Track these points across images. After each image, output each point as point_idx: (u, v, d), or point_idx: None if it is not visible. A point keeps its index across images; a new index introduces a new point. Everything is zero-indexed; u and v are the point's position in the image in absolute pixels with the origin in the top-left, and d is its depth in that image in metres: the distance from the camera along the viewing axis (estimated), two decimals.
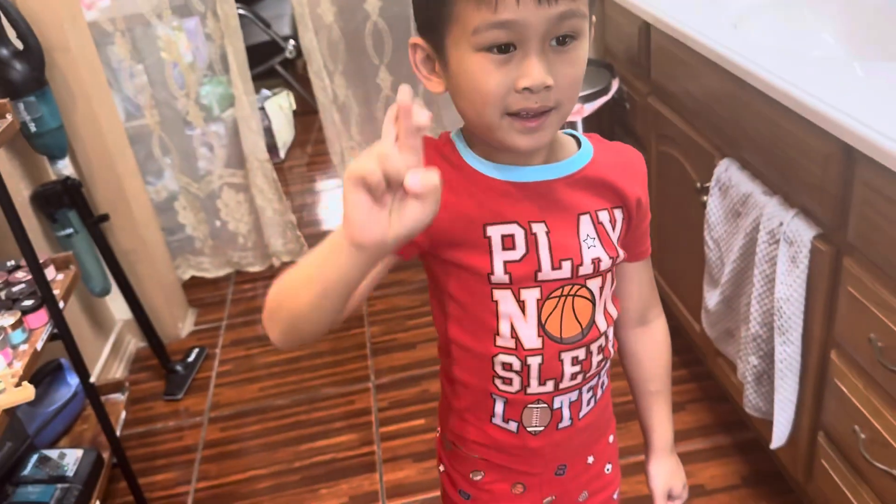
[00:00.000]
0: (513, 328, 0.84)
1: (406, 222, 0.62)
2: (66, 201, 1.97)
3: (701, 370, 1.95)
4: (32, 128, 1.86)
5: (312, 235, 2.79)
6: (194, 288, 2.63)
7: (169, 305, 2.39)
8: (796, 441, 1.42)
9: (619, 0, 1.90)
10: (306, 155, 3.68)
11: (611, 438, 1.03)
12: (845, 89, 1.18)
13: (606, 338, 0.90)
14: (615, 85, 1.98)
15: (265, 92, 3.49)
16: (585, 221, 0.84)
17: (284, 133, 3.55)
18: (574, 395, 0.90)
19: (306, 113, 3.84)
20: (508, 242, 0.81)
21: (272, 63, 3.78)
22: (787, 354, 1.34)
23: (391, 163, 0.59)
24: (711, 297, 1.59)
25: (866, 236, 1.13)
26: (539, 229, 0.81)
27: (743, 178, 1.43)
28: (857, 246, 1.16)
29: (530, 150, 0.78)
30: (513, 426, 0.91)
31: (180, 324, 2.43)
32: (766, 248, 1.34)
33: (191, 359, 2.28)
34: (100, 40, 2.24)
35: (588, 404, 0.93)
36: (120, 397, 1.89)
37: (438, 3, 0.73)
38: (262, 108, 3.36)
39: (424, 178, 0.61)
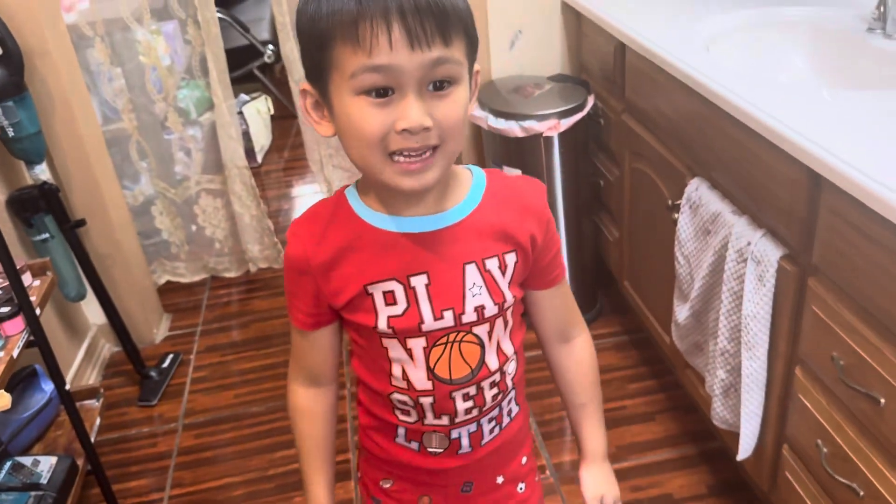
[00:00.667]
0: (404, 371, 0.88)
1: None
2: (42, 206, 1.95)
3: (670, 381, 1.99)
4: (10, 133, 1.85)
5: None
6: (169, 293, 2.62)
7: (144, 310, 2.38)
8: (761, 453, 1.46)
9: (595, 19, 1.94)
10: (283, 160, 3.68)
11: (524, 460, 1.04)
12: (813, 116, 1.22)
13: (502, 373, 0.92)
14: (591, 101, 2.02)
15: (243, 96, 3.48)
16: (471, 270, 0.85)
17: (262, 137, 3.55)
18: (473, 427, 0.93)
19: (284, 117, 3.84)
20: (390, 298, 0.84)
21: (250, 67, 3.78)
22: (753, 369, 1.37)
23: None
24: (681, 312, 1.63)
25: (830, 260, 1.17)
26: (418, 282, 0.84)
27: (713, 197, 1.47)
28: (822, 268, 1.20)
29: (416, 192, 0.79)
30: (414, 445, 0.95)
31: (155, 329, 2.42)
32: (735, 266, 1.38)
33: (165, 364, 2.27)
34: (78, 44, 2.22)
35: (491, 433, 0.95)
36: (94, 403, 1.88)
37: (319, 50, 0.74)
38: (240, 113, 3.34)
39: None
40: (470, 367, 0.89)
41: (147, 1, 2.28)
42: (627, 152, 1.91)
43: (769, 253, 1.29)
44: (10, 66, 1.82)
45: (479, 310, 0.86)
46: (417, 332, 0.86)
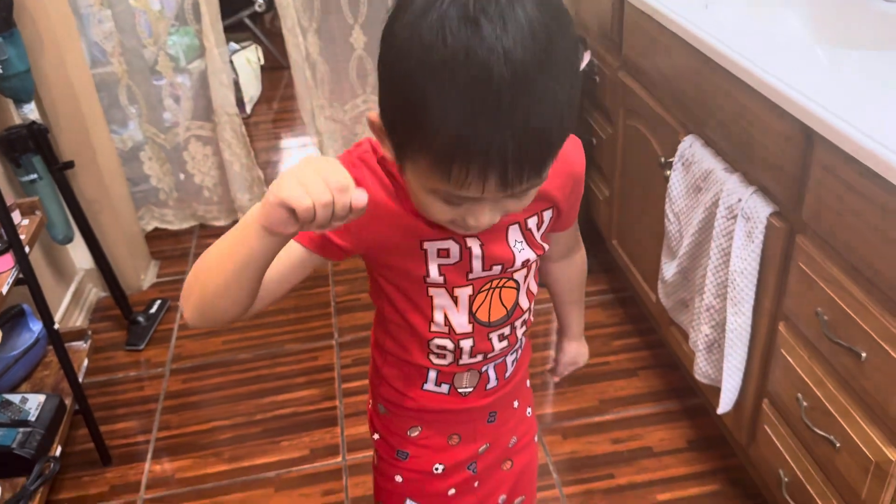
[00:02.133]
0: (446, 318, 0.89)
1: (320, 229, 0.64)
2: (31, 146, 1.93)
3: (654, 339, 2.02)
4: None
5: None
6: (157, 240, 2.61)
7: (131, 256, 2.37)
8: (742, 407, 1.49)
9: None
10: (272, 111, 3.64)
11: (528, 383, 1.12)
12: (809, 73, 1.23)
13: (529, 311, 0.96)
14: (587, 57, 2.01)
15: (233, 45, 3.43)
16: (514, 230, 0.86)
17: (251, 88, 3.51)
18: (499, 360, 0.98)
19: (274, 69, 3.80)
20: (444, 253, 0.84)
21: (241, 16, 3.73)
22: (738, 325, 1.40)
23: (329, 211, 0.61)
24: (669, 269, 1.64)
25: (820, 216, 1.18)
26: (473, 242, 0.84)
27: (706, 154, 1.48)
28: (811, 224, 1.21)
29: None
30: (444, 388, 0.97)
31: (142, 275, 2.41)
32: (724, 222, 1.39)
33: (153, 310, 2.27)
34: None
35: (512, 365, 1.00)
36: (82, 345, 1.88)
37: (406, 136, 0.66)
38: (230, 62, 3.30)
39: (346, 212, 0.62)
40: (506, 308, 0.91)
41: None
42: (622, 110, 1.90)
43: (759, 210, 1.30)
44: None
45: (525, 263, 0.88)
46: (465, 280, 0.87)
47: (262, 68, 3.66)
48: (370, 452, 1.76)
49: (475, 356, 0.94)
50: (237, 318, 0.77)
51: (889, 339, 1.05)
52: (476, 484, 1.07)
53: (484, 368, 0.97)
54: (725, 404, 1.48)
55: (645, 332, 2.06)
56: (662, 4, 1.59)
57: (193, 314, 0.76)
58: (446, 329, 0.90)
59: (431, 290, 0.87)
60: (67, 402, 1.70)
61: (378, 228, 0.80)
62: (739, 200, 1.35)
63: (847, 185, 1.10)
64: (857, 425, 1.15)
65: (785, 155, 1.24)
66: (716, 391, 1.51)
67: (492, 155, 0.62)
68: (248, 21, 3.79)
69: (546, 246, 0.91)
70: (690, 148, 1.53)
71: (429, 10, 0.60)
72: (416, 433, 1.02)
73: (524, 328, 0.97)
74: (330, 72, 2.44)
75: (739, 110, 1.36)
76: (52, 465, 1.55)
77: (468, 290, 0.88)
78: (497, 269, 0.87)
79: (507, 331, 0.94)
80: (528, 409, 1.12)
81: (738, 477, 1.64)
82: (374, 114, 0.72)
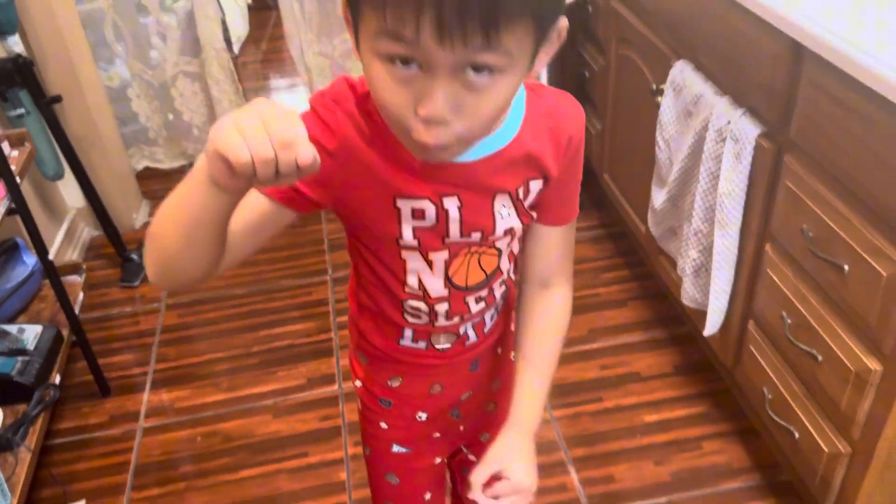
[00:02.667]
0: (420, 281, 0.84)
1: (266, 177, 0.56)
2: (17, 80, 1.91)
3: (643, 271, 2.05)
4: None
5: None
6: (148, 180, 2.61)
7: (123, 195, 2.37)
8: (728, 329, 1.53)
9: None
10: (260, 52, 3.61)
11: (512, 326, 0.99)
12: None
13: (509, 272, 0.89)
14: None
15: None
16: (502, 197, 0.79)
17: (238, 27, 3.46)
18: (478, 319, 0.92)
19: (261, 9, 3.74)
20: (419, 214, 0.77)
21: None
22: (725, 247, 1.42)
23: (270, 155, 0.53)
24: (658, 197, 1.66)
25: (808, 134, 1.19)
26: (451, 204, 0.77)
27: (696, 79, 1.48)
28: (799, 143, 1.22)
29: (437, 154, 0.68)
30: (422, 345, 0.93)
31: (135, 214, 2.42)
32: (714, 146, 1.40)
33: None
34: None
35: (491, 320, 0.94)
36: (77, 279, 1.90)
37: None
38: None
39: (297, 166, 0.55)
40: (486, 273, 0.85)
41: None
42: (614, 39, 1.90)
43: (748, 131, 1.31)
44: None
45: (508, 231, 0.82)
46: (441, 244, 0.81)
47: (250, 8, 3.61)
48: None
49: (451, 318, 0.89)
50: (202, 278, 0.70)
51: (871, 250, 1.08)
52: (461, 428, 1.06)
53: (462, 329, 0.92)
54: (712, 326, 1.52)
55: (634, 264, 2.09)
56: None
57: (155, 273, 0.70)
58: (420, 292, 0.85)
59: (404, 253, 0.81)
60: (64, 333, 1.73)
61: (350, 179, 0.74)
62: (728, 123, 1.36)
63: (835, 100, 1.11)
64: (839, 338, 1.18)
65: (774, 73, 1.24)
66: (702, 315, 1.54)
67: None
68: None
69: (534, 214, 0.83)
70: (681, 73, 1.53)
71: None
72: (398, 383, 0.99)
73: (503, 288, 0.91)
74: (318, 6, 2.41)
75: (729, 31, 1.36)
76: (51, 392, 1.59)
77: (444, 255, 0.82)
78: (476, 235, 0.81)
79: (484, 293, 0.88)
80: (512, 353, 1.02)
81: (723, 400, 1.69)
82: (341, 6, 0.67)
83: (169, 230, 0.66)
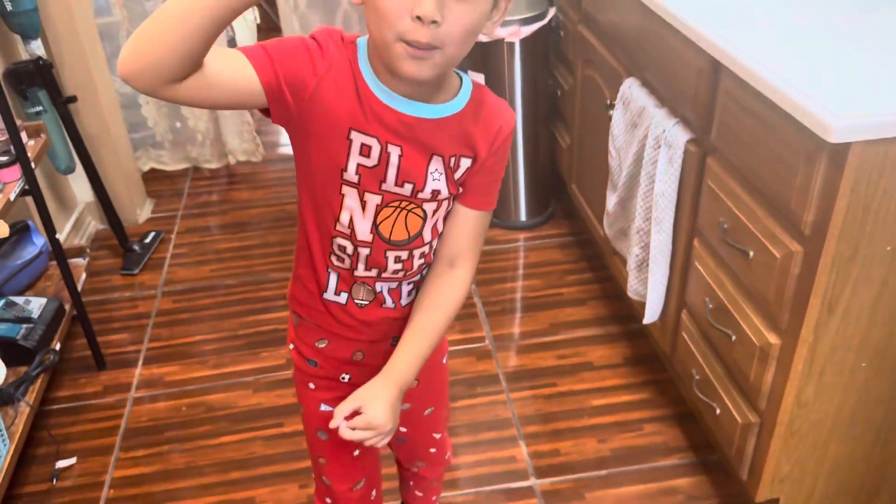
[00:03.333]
0: (351, 220, 0.92)
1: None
2: (37, 81, 2.07)
3: (604, 274, 2.19)
4: (8, 6, 1.97)
5: (269, 143, 2.95)
6: (153, 181, 2.78)
7: (129, 192, 2.53)
8: (665, 320, 1.67)
9: None
10: None
11: None
12: (720, 14, 1.39)
13: (430, 247, 0.98)
14: (552, 12, 2.17)
15: None
16: (437, 160, 0.90)
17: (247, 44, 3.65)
18: (394, 285, 1.00)
19: (269, 29, 3.94)
20: (365, 151, 0.87)
21: None
22: (660, 242, 1.57)
23: None
24: (611, 200, 1.81)
25: (724, 137, 1.35)
26: (393, 151, 0.87)
27: (641, 93, 1.64)
28: (718, 146, 1.38)
29: (414, 79, 0.81)
30: (343, 298, 1.00)
31: (139, 210, 2.58)
32: (652, 152, 1.56)
33: (147, 240, 2.44)
34: None
35: (409, 295, 1.02)
36: (80, 261, 2.05)
37: None
38: None
39: None
40: (409, 233, 0.94)
41: None
42: (580, 60, 2.06)
43: (679, 137, 1.47)
44: None
45: (435, 193, 0.92)
46: (377, 188, 0.89)
47: (259, 28, 3.80)
48: None
49: (370, 269, 0.97)
50: (171, 68, 0.72)
51: (769, 236, 1.23)
52: None
53: (378, 288, 1.00)
54: (651, 315, 1.66)
55: (597, 268, 2.23)
56: None
57: (128, 49, 0.71)
58: (349, 231, 0.93)
59: (344, 188, 0.89)
60: (66, 308, 1.88)
61: (321, 97, 0.83)
62: (664, 131, 1.51)
63: (744, 109, 1.26)
64: (748, 317, 1.32)
65: (698, 86, 1.40)
66: (645, 307, 1.68)
67: None
68: None
69: (460, 189, 0.95)
70: (630, 88, 1.69)
71: None
72: (324, 345, 1.06)
73: (422, 261, 0.99)
74: (318, 22, 2.59)
75: (667, 51, 1.52)
76: (51, 356, 1.73)
77: (377, 199, 0.90)
78: (408, 188, 0.90)
79: (403, 255, 0.96)
80: None
81: (665, 388, 1.82)
82: None
83: (172, 19, 0.69)
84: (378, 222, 0.93)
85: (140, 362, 2.00)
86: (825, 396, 1.30)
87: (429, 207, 0.94)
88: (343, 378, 1.09)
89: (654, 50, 1.59)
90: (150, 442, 1.77)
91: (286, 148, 3.01)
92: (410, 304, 1.03)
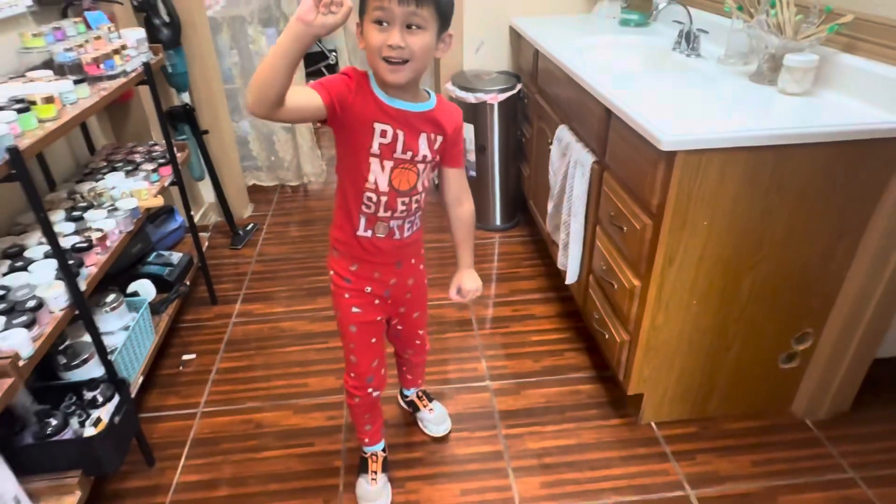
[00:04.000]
0: (376, 180, 1.04)
1: (326, 21, 0.81)
2: (184, 118, 2.31)
3: (549, 262, 2.33)
4: (170, 69, 2.21)
5: (330, 170, 3.16)
6: (254, 193, 2.96)
7: (238, 198, 2.72)
8: (580, 281, 1.81)
9: (525, 37, 2.27)
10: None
11: (422, 251, 1.26)
12: (619, 84, 1.56)
13: (422, 196, 1.11)
14: (519, 86, 2.37)
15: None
16: (423, 137, 1.04)
17: None
18: (401, 222, 1.12)
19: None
20: (383, 134, 1.00)
21: (319, 66, 4.11)
22: (576, 229, 1.73)
23: None
24: (549, 205, 1.98)
25: (613, 158, 1.51)
26: (399, 132, 1.01)
27: (568, 134, 1.81)
28: (610, 164, 1.54)
29: (396, 84, 0.95)
30: (368, 233, 1.11)
31: (243, 210, 2.77)
32: (572, 169, 1.73)
33: (248, 228, 2.63)
34: (213, 27, 2.57)
35: (408, 230, 1.15)
36: (205, 234, 2.25)
37: (364, 1, 0.94)
38: None
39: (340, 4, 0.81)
40: (410, 184, 1.07)
41: (257, 10, 2.62)
42: (536, 117, 2.25)
43: (587, 159, 1.64)
44: (173, 28, 2.18)
45: (424, 157, 1.05)
46: (391, 157, 1.02)
47: None
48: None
49: (387, 211, 1.07)
50: (274, 105, 0.85)
51: (633, 216, 1.38)
52: (389, 302, 1.23)
53: (392, 224, 1.10)
54: (571, 278, 1.81)
55: (544, 257, 2.37)
56: (557, 54, 1.91)
57: (251, 94, 0.85)
58: (374, 187, 1.04)
59: (371, 160, 1.02)
60: (194, 261, 2.08)
61: (355, 105, 0.98)
62: (579, 156, 1.69)
63: (623, 138, 1.43)
64: (623, 270, 1.47)
65: (599, 126, 1.57)
66: (567, 273, 1.84)
67: None
68: (323, 69, 4.19)
69: (438, 157, 1.07)
70: (561, 132, 1.86)
71: None
72: (355, 268, 1.15)
73: (417, 205, 1.11)
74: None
75: (584, 106, 1.69)
76: (184, 288, 1.93)
77: (390, 164, 1.03)
78: (408, 154, 1.03)
79: (407, 200, 1.08)
80: (421, 266, 1.26)
81: (580, 330, 1.95)
82: (357, 22, 0.95)
83: (268, 60, 0.83)
84: (391, 179, 1.05)
85: (239, 300, 2.17)
86: (670, 323, 1.43)
87: (420, 167, 1.06)
88: (366, 290, 1.18)
89: (577, 105, 1.77)
90: (242, 349, 1.93)
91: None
92: (410, 236, 1.14)
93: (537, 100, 2.21)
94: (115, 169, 1.80)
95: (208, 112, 2.48)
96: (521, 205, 2.67)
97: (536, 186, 2.36)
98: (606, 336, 1.61)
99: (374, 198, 1.06)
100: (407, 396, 1.63)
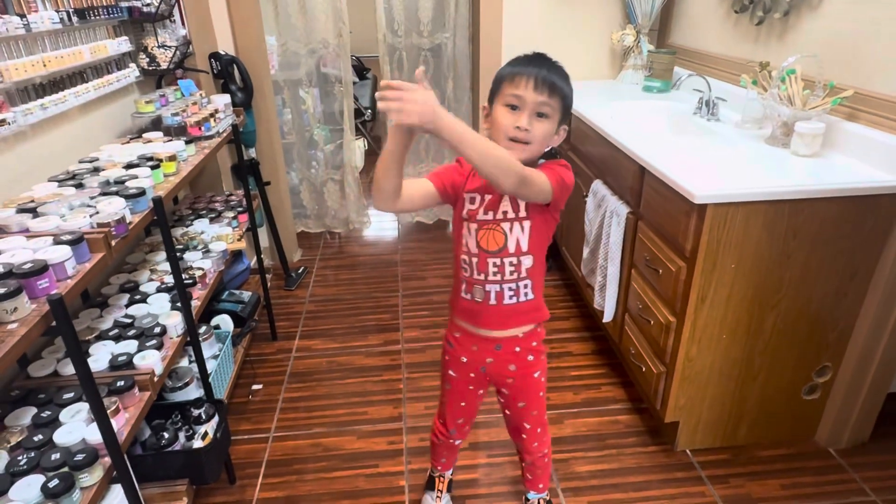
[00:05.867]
0: (467, 242, 1.09)
1: (411, 109, 0.84)
2: (250, 171, 2.57)
3: (581, 303, 2.52)
4: (240, 129, 2.50)
5: (374, 214, 3.40)
6: (302, 238, 3.20)
7: (289, 242, 2.94)
8: (616, 320, 1.99)
9: None
10: (368, 177, 4.27)
11: (534, 343, 1.19)
12: (652, 144, 1.77)
13: (518, 258, 1.08)
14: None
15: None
16: (504, 199, 1.07)
17: (359, 161, 4.17)
18: (497, 287, 1.11)
19: (372, 153, 4.48)
20: (472, 200, 1.07)
21: (356, 122, 4.44)
22: (613, 272, 1.93)
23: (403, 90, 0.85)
24: (585, 251, 2.19)
25: (647, 209, 1.71)
26: (487, 197, 1.07)
27: (603, 188, 2.04)
28: (644, 214, 1.74)
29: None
30: (468, 296, 1.14)
31: (294, 253, 2.99)
32: (608, 219, 1.95)
33: (299, 271, 2.85)
34: (275, 90, 2.87)
35: (510, 298, 1.11)
36: (268, 275, 2.47)
37: (498, 84, 1.01)
38: None
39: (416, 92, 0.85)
40: (498, 245, 1.07)
41: (305, 73, 2.91)
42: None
43: (622, 210, 1.85)
44: (246, 92, 2.47)
45: (505, 213, 1.07)
46: (474, 220, 1.07)
47: (366, 152, 4.34)
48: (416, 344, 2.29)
49: (479, 274, 1.09)
50: (392, 199, 0.96)
51: (668, 259, 1.57)
52: (488, 379, 1.23)
53: (487, 288, 1.10)
54: (608, 316, 1.99)
55: (577, 299, 2.56)
56: (590, 117, 2.15)
57: (375, 198, 0.96)
58: (466, 248, 1.09)
59: (463, 223, 1.07)
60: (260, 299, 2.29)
61: (461, 184, 1.08)
62: (615, 207, 1.91)
63: (656, 192, 1.64)
64: (658, 308, 1.65)
65: (633, 181, 1.79)
66: (603, 313, 2.03)
67: (531, 73, 0.96)
68: (359, 125, 4.52)
69: (526, 214, 1.06)
70: (596, 186, 2.09)
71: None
72: (458, 335, 1.19)
73: (512, 268, 1.08)
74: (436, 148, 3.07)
75: (618, 164, 1.91)
76: (254, 323, 2.13)
77: (475, 226, 1.08)
78: (490, 214, 1.07)
79: (497, 261, 1.08)
80: (530, 356, 1.19)
81: (615, 366, 2.11)
82: (485, 104, 1.04)
83: (379, 170, 0.94)
84: (479, 240, 1.09)
85: (297, 337, 2.36)
86: (702, 355, 1.60)
87: (505, 226, 1.07)
88: (462, 359, 1.21)
89: (611, 162, 2.00)
90: (305, 380, 2.10)
91: (381, 221, 3.44)
92: (511, 306, 1.11)
93: (570, 156, 2.45)
94: (199, 216, 2.04)
95: (269, 165, 2.74)
96: (553, 251, 2.88)
97: (569, 234, 2.56)
98: (643, 368, 1.78)
99: (468, 259, 1.11)
100: (528, 500, 1.49)
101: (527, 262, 1.09)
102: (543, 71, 0.97)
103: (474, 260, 1.09)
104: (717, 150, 1.71)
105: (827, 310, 1.58)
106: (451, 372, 1.24)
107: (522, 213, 1.07)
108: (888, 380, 1.66)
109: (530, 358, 1.19)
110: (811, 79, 1.68)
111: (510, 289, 1.10)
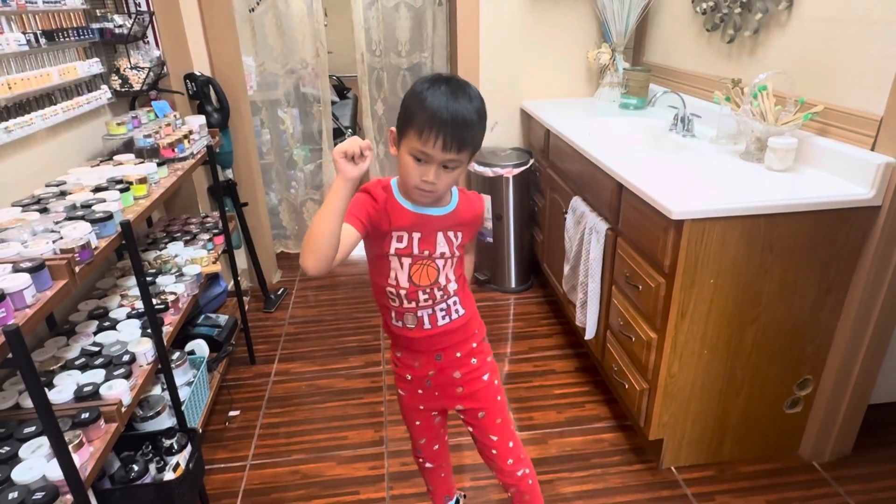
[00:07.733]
0: (396, 276, 1.06)
1: (363, 167, 0.89)
2: (227, 192, 2.54)
3: (564, 321, 2.51)
4: (217, 150, 2.47)
5: None
6: (283, 259, 3.17)
7: (268, 263, 2.91)
8: (598, 337, 1.98)
9: (536, 118, 2.55)
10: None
11: (474, 345, 1.17)
12: (628, 161, 1.79)
13: (446, 286, 1.09)
14: (531, 161, 2.63)
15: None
16: (440, 235, 1.06)
17: None
18: (430, 311, 1.10)
19: None
20: (400, 239, 1.03)
21: (337, 142, 4.44)
22: (593, 289, 1.92)
23: (358, 149, 0.89)
24: (566, 267, 2.19)
25: (625, 225, 1.72)
26: (416, 234, 1.04)
27: (582, 204, 2.04)
28: (623, 230, 1.74)
29: (423, 203, 1.01)
30: (399, 324, 1.12)
31: (273, 275, 2.96)
32: (588, 236, 1.95)
33: (279, 293, 2.81)
34: (253, 110, 2.86)
35: (443, 319, 1.11)
36: (246, 298, 2.43)
37: (408, 120, 0.95)
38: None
39: (366, 155, 0.89)
40: (430, 280, 1.07)
41: (284, 94, 2.91)
42: (548, 188, 2.49)
43: (601, 227, 1.86)
44: (223, 113, 2.45)
45: (442, 254, 1.07)
46: (409, 256, 1.05)
47: None
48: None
49: (410, 303, 1.08)
50: (332, 259, 0.89)
51: (648, 276, 1.57)
52: (436, 393, 1.20)
53: (419, 314, 1.10)
54: (589, 333, 1.98)
55: (560, 317, 2.55)
56: (567, 134, 2.17)
57: (306, 257, 0.89)
58: (395, 283, 1.06)
59: (391, 259, 1.05)
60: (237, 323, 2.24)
61: (380, 218, 1.02)
62: (594, 224, 1.91)
63: (635, 208, 1.64)
64: (640, 325, 1.65)
65: (611, 198, 1.80)
66: (585, 330, 2.02)
67: (446, 129, 0.90)
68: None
69: (458, 252, 1.09)
70: (575, 202, 2.10)
71: (429, 87, 0.94)
72: (400, 354, 1.19)
73: (440, 292, 1.09)
74: (390, 168, 3.08)
75: (596, 181, 1.92)
76: (230, 347, 2.08)
77: (409, 261, 1.05)
78: (426, 252, 1.05)
79: (428, 289, 1.08)
80: (474, 360, 1.18)
81: (598, 383, 2.10)
82: (393, 129, 0.98)
83: (317, 220, 0.89)
84: (411, 275, 1.07)
85: (276, 360, 2.32)
86: (684, 371, 1.60)
87: (440, 263, 1.08)
88: (407, 377, 1.19)
89: (589, 179, 2.00)
90: (283, 405, 2.06)
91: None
92: (446, 326, 1.11)
93: (549, 173, 2.46)
94: (173, 239, 2.00)
95: (247, 186, 2.71)
96: (534, 268, 2.88)
97: (550, 251, 2.57)
98: (626, 386, 1.77)
99: (395, 292, 1.09)
100: None
101: (453, 286, 1.10)
102: (453, 130, 0.92)
103: (402, 292, 1.08)
104: (693, 165, 1.73)
105: (805, 323, 1.58)
106: (400, 391, 1.23)
107: (457, 252, 1.09)
108: (868, 391, 1.67)
109: (474, 361, 1.18)
110: (782, 95, 1.70)
111: (441, 309, 1.11)
